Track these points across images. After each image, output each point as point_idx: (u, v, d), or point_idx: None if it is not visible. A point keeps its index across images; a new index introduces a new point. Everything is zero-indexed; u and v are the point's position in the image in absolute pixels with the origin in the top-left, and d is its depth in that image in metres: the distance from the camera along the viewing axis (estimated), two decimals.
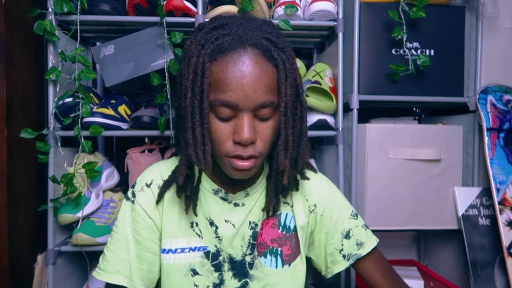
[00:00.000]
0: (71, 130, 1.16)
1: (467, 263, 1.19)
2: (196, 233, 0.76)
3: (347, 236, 0.81)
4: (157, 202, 0.75)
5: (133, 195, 0.77)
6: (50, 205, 1.16)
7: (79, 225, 1.17)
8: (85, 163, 1.15)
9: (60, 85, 1.18)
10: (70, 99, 1.14)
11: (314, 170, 0.85)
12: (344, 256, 0.81)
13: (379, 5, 1.23)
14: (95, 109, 1.19)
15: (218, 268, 0.77)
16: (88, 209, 1.18)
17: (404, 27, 1.19)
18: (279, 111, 0.67)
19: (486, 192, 1.25)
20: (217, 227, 0.76)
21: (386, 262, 0.83)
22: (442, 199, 1.24)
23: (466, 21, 1.28)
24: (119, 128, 1.21)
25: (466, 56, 1.29)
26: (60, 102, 1.15)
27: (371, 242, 0.82)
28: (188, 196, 0.73)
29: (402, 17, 1.19)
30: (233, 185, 0.77)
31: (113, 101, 1.24)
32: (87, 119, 1.16)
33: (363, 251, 0.80)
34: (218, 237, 0.76)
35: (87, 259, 1.23)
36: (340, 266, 0.82)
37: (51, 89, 1.17)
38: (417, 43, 1.25)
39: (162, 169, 0.79)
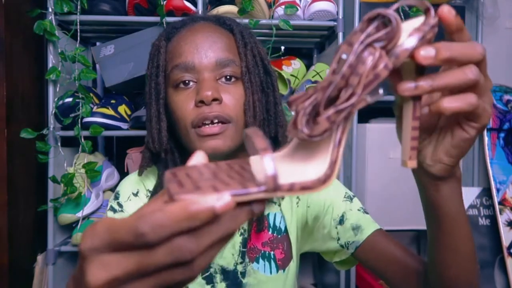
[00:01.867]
0: (71, 130, 1.16)
1: None
2: None
3: (341, 221, 0.68)
4: None
5: (120, 205, 0.70)
6: (50, 205, 1.16)
7: (79, 225, 1.17)
8: (85, 163, 1.15)
9: (60, 85, 1.18)
10: (70, 99, 1.14)
11: None
12: (342, 246, 0.68)
13: (379, 5, 1.23)
14: (95, 109, 1.19)
15: (210, 280, 0.70)
16: (88, 209, 1.18)
17: None
18: (242, 72, 0.64)
19: (486, 192, 1.25)
20: None
21: (393, 240, 0.67)
22: None
23: (466, 21, 1.28)
24: (119, 128, 1.21)
25: None
26: (60, 102, 1.15)
27: (371, 227, 0.68)
28: None
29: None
30: None
31: (113, 101, 1.24)
32: (87, 119, 1.16)
33: (361, 236, 0.66)
34: None
35: None
36: (342, 255, 0.71)
37: (51, 89, 1.17)
38: None
39: (142, 178, 0.72)
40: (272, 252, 0.71)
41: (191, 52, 0.61)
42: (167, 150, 0.66)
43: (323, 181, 0.30)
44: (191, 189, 0.27)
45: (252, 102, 0.64)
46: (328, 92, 0.30)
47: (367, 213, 0.71)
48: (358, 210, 0.70)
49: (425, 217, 0.50)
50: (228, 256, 0.70)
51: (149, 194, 0.70)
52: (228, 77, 0.62)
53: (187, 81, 0.62)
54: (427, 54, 0.31)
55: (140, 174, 0.69)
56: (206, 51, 0.61)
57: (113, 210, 0.70)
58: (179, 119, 0.62)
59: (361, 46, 0.29)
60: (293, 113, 0.32)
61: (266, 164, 0.27)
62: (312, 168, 0.32)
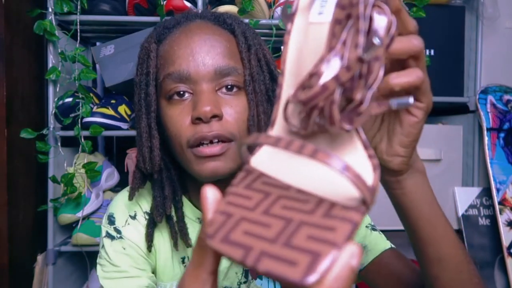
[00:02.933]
0: (71, 130, 1.16)
1: None
2: None
3: None
4: (149, 248, 0.61)
5: (117, 231, 0.62)
6: (50, 205, 1.16)
7: (79, 225, 1.17)
8: (85, 163, 1.15)
9: (60, 85, 1.18)
10: (70, 99, 1.14)
11: None
12: None
13: None
14: (95, 109, 1.19)
15: None
16: (88, 209, 1.18)
17: None
18: (245, 81, 0.55)
19: (486, 192, 1.25)
20: None
21: (404, 261, 0.62)
22: (442, 199, 1.24)
23: (466, 21, 1.28)
24: (119, 128, 1.21)
25: (466, 56, 1.29)
26: (60, 102, 1.15)
27: (379, 247, 0.62)
28: (172, 224, 0.61)
29: None
30: None
31: (113, 101, 1.24)
32: (87, 119, 1.15)
33: (367, 258, 0.61)
34: None
35: (87, 259, 1.22)
36: None
37: (51, 89, 1.17)
38: None
39: (137, 197, 0.64)
40: None
41: (185, 59, 0.53)
42: (162, 168, 0.59)
43: (376, 168, 0.26)
44: (309, 261, 0.20)
45: (257, 115, 0.55)
46: (357, 77, 0.25)
47: (376, 230, 0.65)
48: (366, 227, 0.64)
49: (403, 225, 0.46)
50: (232, 276, 0.65)
51: (147, 217, 0.63)
52: (229, 87, 0.54)
53: (181, 92, 0.53)
54: None
55: (130, 198, 0.60)
56: (203, 58, 0.53)
57: (111, 237, 0.62)
58: (173, 136, 0.54)
59: (369, 8, 0.24)
60: (297, 106, 0.27)
61: (356, 181, 0.22)
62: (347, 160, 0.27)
